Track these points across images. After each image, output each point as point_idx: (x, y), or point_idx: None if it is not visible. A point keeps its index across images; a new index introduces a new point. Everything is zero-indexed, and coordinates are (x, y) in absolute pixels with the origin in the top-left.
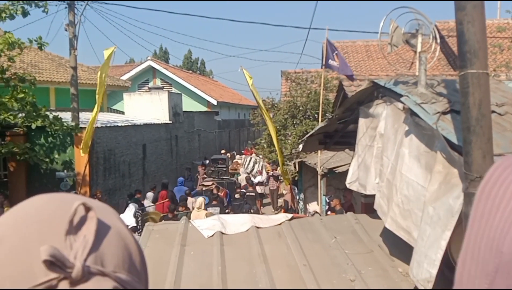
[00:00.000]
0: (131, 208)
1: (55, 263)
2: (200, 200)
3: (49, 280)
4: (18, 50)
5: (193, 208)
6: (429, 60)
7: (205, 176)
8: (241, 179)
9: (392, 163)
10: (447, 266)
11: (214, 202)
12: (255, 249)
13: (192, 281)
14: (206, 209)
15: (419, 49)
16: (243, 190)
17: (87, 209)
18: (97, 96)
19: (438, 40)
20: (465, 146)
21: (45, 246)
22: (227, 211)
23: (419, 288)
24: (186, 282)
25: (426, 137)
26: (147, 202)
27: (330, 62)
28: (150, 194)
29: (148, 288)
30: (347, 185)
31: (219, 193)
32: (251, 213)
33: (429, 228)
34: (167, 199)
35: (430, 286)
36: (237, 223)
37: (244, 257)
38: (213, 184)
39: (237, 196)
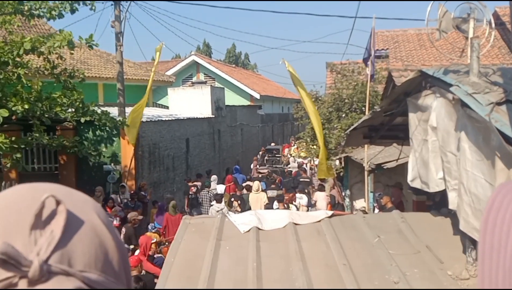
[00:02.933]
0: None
1: (8, 261)
2: (257, 183)
3: (2, 280)
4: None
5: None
6: (483, 46)
7: (258, 166)
8: (292, 167)
9: (458, 158)
10: None
11: (272, 186)
12: (292, 246)
13: (226, 276)
14: (265, 192)
15: (470, 34)
16: (291, 169)
17: (58, 202)
18: (147, 91)
19: (493, 25)
20: None
21: None
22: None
23: None
24: (220, 277)
25: (481, 130)
26: (213, 184)
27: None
28: (215, 177)
29: (130, 285)
30: (410, 184)
31: (275, 177)
32: (305, 193)
33: None
34: (232, 183)
35: None
36: (274, 218)
37: (281, 254)
38: (267, 171)
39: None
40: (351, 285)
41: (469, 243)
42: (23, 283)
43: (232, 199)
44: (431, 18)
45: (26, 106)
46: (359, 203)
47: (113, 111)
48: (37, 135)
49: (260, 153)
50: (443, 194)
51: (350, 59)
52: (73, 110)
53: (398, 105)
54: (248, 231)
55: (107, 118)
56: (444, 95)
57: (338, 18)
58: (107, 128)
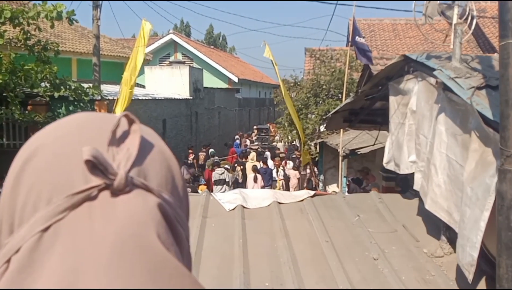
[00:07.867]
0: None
1: (97, 166)
2: (253, 153)
3: (89, 189)
4: (48, 22)
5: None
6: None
7: (246, 143)
8: (280, 145)
9: (430, 141)
10: (482, 256)
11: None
12: (276, 224)
13: (213, 253)
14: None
15: (455, 21)
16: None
17: (131, 121)
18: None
19: (475, 12)
20: (502, 120)
21: (87, 147)
22: None
23: (464, 273)
24: (207, 254)
25: (460, 113)
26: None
27: (358, 51)
28: (213, 151)
29: (188, 216)
30: (384, 166)
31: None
32: (292, 160)
33: (468, 210)
34: (235, 154)
35: (473, 270)
36: (259, 197)
37: (265, 231)
38: (258, 148)
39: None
40: (333, 260)
41: (443, 223)
42: (103, 195)
43: (236, 165)
44: (418, 3)
45: (1, 77)
46: (332, 188)
47: None
48: (11, 108)
49: (237, 136)
50: (406, 179)
51: (329, 45)
52: (47, 84)
53: (379, 90)
54: (233, 209)
55: (83, 91)
56: (425, 79)
57: (319, 4)
58: (81, 104)
